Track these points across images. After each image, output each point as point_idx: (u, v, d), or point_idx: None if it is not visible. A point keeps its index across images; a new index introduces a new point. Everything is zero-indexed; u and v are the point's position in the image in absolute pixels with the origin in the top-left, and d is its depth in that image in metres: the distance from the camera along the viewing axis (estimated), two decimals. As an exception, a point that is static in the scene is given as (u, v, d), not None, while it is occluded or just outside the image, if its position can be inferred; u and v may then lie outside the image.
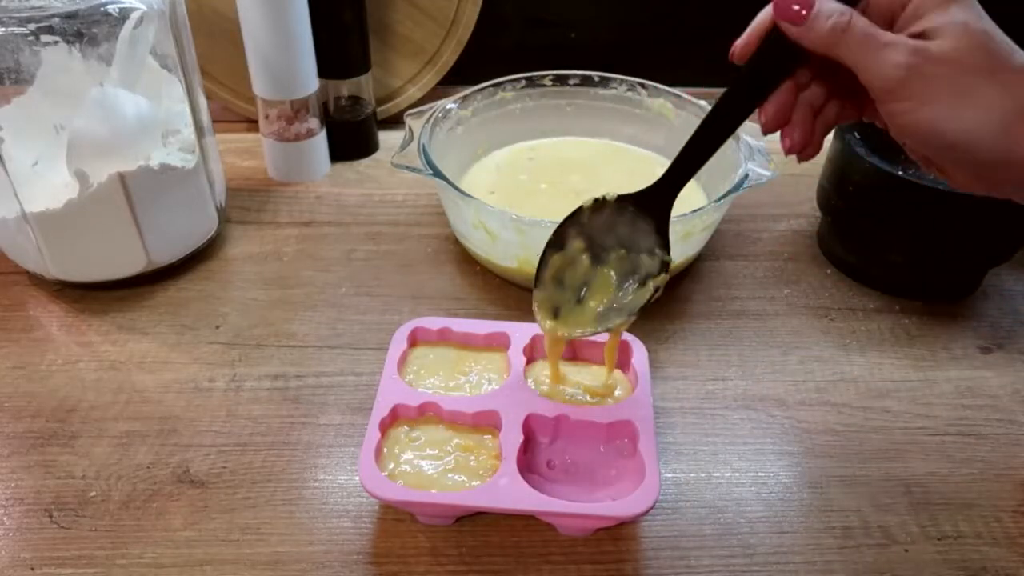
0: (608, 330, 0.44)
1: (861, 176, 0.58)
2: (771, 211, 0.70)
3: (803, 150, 0.38)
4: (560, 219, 0.44)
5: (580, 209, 0.43)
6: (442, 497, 0.42)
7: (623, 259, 0.44)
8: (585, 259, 0.44)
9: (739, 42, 0.37)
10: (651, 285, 0.43)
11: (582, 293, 0.45)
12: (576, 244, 0.44)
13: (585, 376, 0.50)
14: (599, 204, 0.43)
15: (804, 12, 0.33)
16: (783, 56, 0.35)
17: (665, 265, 0.43)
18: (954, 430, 0.51)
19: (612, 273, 0.44)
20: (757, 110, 0.37)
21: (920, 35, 0.33)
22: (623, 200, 0.42)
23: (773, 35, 0.35)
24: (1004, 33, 0.33)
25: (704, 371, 0.54)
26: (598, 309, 0.45)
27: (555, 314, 0.45)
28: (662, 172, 0.41)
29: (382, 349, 0.51)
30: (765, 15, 0.35)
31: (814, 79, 0.37)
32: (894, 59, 0.32)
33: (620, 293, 0.44)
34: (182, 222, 0.60)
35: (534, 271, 0.45)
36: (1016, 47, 0.33)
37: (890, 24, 0.34)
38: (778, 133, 0.38)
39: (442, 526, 0.44)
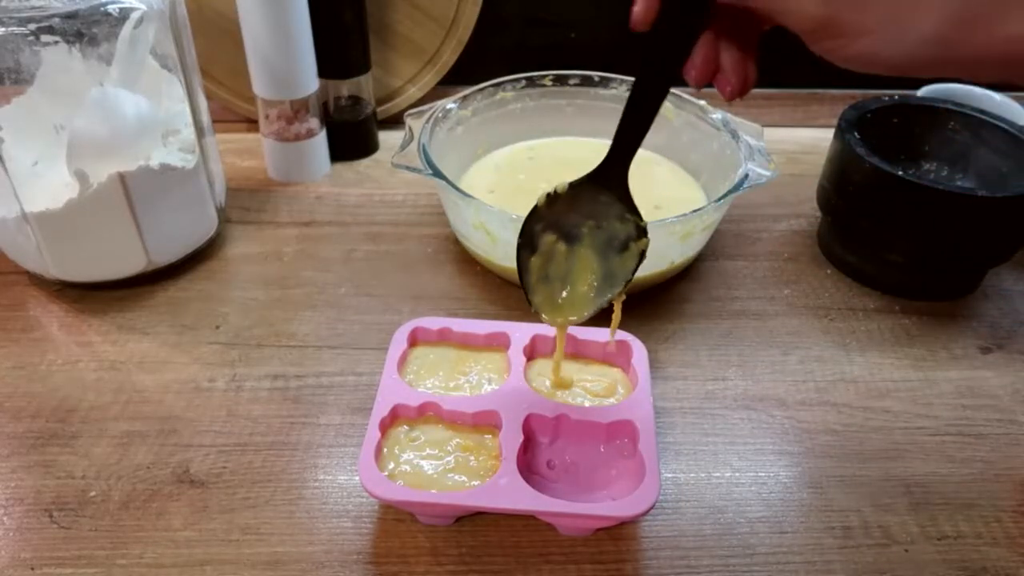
0: (610, 301, 0.44)
1: (861, 176, 0.58)
2: (771, 211, 0.70)
3: (740, 90, 0.37)
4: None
5: (535, 207, 0.42)
6: (442, 497, 0.42)
7: (595, 230, 0.43)
8: (561, 247, 0.44)
9: (637, 8, 0.34)
10: (634, 248, 0.42)
11: (569, 279, 0.44)
12: (546, 238, 0.43)
13: (586, 376, 0.50)
14: (552, 197, 0.42)
15: None
16: (689, 12, 0.33)
17: (642, 230, 0.42)
18: (954, 430, 0.51)
19: (589, 250, 0.43)
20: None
21: None
22: (575, 185, 0.42)
23: None
24: None
25: (704, 371, 0.54)
26: (590, 292, 0.44)
27: (557, 309, 0.45)
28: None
29: (382, 349, 0.51)
30: None
31: (732, 24, 0.35)
32: (809, 8, 0.31)
33: (604, 265, 0.43)
34: (182, 222, 0.60)
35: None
36: None
37: None
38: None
39: (442, 526, 0.44)
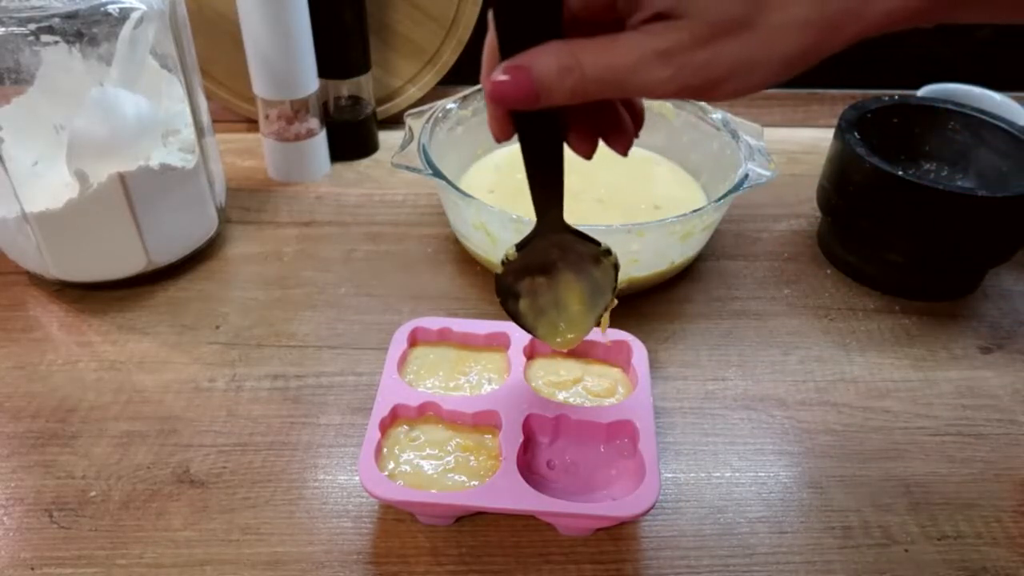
0: (606, 309, 0.44)
1: (861, 176, 0.58)
2: (771, 211, 0.70)
3: (629, 144, 0.36)
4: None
5: (497, 275, 0.42)
6: (442, 497, 0.42)
7: (564, 255, 0.42)
8: (540, 279, 0.43)
9: (492, 127, 0.34)
10: (606, 262, 0.42)
11: (560, 303, 0.44)
12: (523, 283, 0.43)
13: (586, 376, 0.50)
14: (508, 262, 0.41)
15: (526, 86, 0.29)
16: (544, 118, 0.32)
17: (605, 250, 0.42)
18: (954, 430, 0.51)
19: (567, 272, 0.43)
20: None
21: (658, 17, 0.28)
22: (522, 245, 0.41)
23: (519, 113, 0.31)
24: None
25: (704, 371, 0.54)
26: (584, 308, 0.44)
27: (561, 333, 0.45)
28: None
29: (382, 349, 0.51)
30: (487, 90, 0.31)
31: (593, 107, 0.33)
32: (654, 74, 0.28)
33: (587, 280, 0.43)
34: (182, 222, 0.60)
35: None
36: None
37: (613, 16, 0.30)
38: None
39: (442, 526, 0.44)
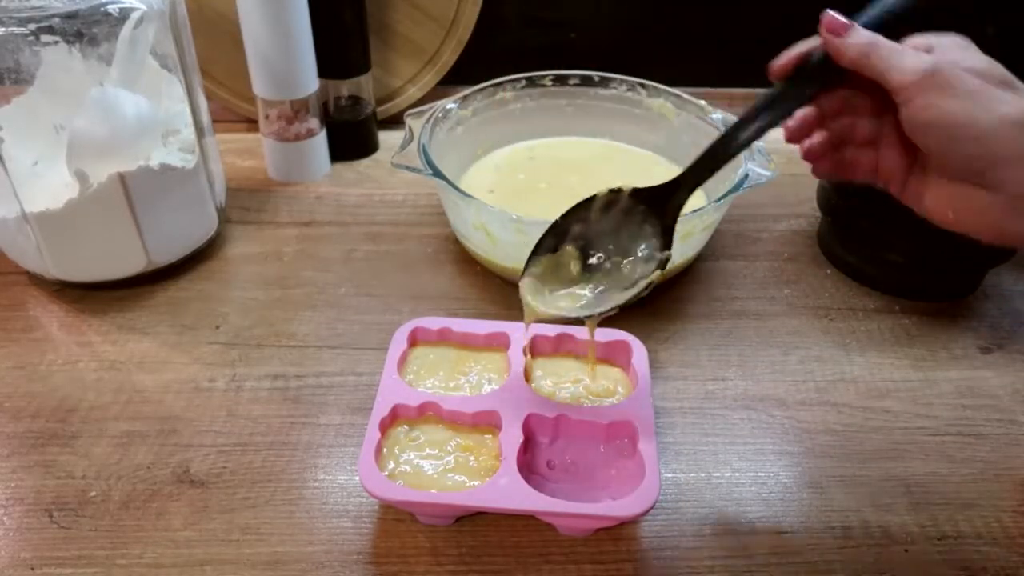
0: (597, 316, 0.44)
1: (861, 176, 0.58)
2: (771, 211, 0.70)
3: (818, 159, 0.40)
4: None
5: (593, 200, 0.44)
6: (442, 497, 0.42)
7: (615, 268, 0.44)
8: (574, 268, 0.44)
9: (778, 62, 0.39)
10: (648, 269, 0.43)
11: (559, 291, 0.45)
12: (569, 249, 0.44)
13: (586, 376, 0.50)
14: (613, 196, 0.43)
15: (846, 25, 0.37)
16: (815, 75, 0.38)
17: (662, 262, 0.43)
18: (954, 430, 0.51)
19: (598, 279, 0.44)
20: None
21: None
22: (636, 196, 0.43)
23: (810, 57, 0.38)
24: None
25: (704, 371, 0.54)
26: (575, 304, 0.44)
27: (536, 295, 0.45)
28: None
29: (382, 349, 0.51)
30: (804, 43, 0.39)
31: (838, 112, 0.40)
32: (917, 60, 0.35)
33: (615, 275, 0.44)
34: (182, 222, 0.60)
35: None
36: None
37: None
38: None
39: (442, 526, 0.44)
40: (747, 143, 0.40)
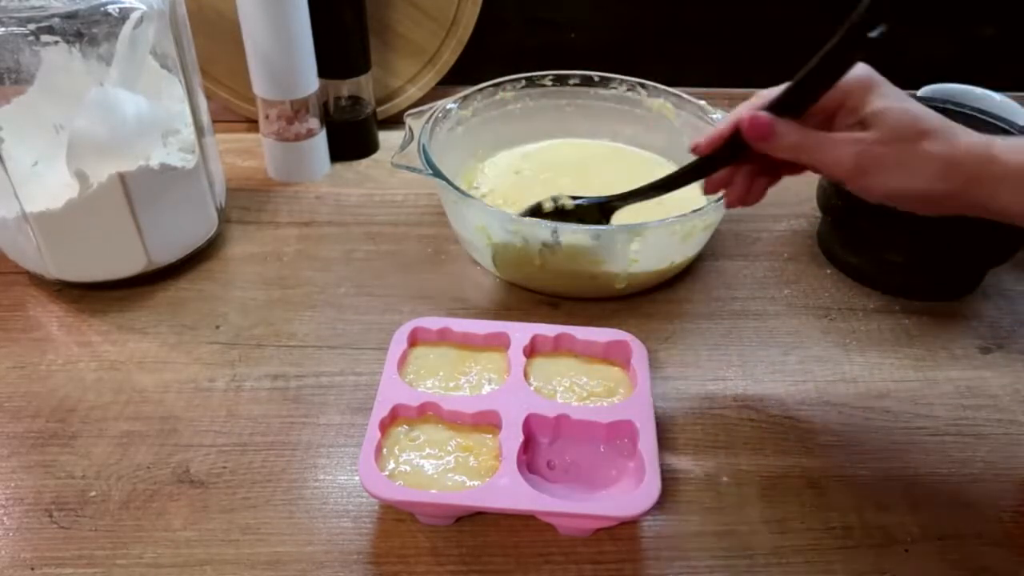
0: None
1: (861, 176, 0.58)
2: (771, 211, 0.70)
3: (741, 203, 0.46)
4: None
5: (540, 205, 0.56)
6: (442, 497, 0.42)
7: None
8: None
9: (703, 141, 0.45)
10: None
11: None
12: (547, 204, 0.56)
13: (586, 376, 0.50)
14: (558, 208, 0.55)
15: (768, 131, 0.41)
16: (735, 153, 0.44)
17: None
18: (954, 430, 0.51)
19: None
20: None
21: (859, 124, 0.41)
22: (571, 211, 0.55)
23: (733, 140, 0.43)
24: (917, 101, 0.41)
25: (704, 371, 0.54)
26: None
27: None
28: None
29: (382, 349, 0.51)
30: (726, 125, 0.43)
31: (753, 162, 0.45)
32: (845, 151, 0.40)
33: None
34: (182, 222, 0.60)
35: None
36: (928, 110, 0.40)
37: (831, 121, 0.42)
38: None
39: (442, 526, 0.44)
40: (672, 190, 0.49)
